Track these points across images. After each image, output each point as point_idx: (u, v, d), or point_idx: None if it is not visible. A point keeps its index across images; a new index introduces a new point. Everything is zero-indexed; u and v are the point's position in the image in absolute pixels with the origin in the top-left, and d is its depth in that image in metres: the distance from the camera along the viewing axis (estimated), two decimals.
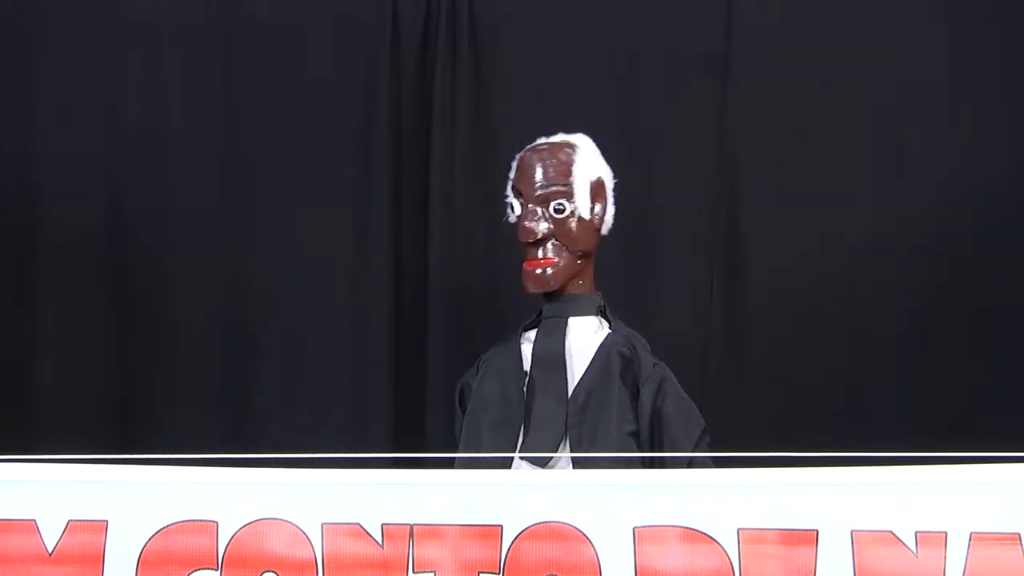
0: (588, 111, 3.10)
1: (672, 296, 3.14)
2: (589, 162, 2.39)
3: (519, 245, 2.39)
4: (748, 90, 3.14)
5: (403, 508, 1.84)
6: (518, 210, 2.39)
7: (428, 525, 1.82)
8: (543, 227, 2.34)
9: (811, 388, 3.06)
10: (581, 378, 2.34)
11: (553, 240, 2.35)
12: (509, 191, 2.43)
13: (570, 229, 2.35)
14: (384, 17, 3.22)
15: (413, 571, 1.81)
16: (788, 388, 3.07)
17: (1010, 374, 2.98)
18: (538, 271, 2.36)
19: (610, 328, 2.40)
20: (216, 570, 1.85)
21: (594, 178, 2.38)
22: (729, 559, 1.74)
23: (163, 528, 1.87)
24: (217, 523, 1.86)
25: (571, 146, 2.39)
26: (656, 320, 3.02)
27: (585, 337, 2.38)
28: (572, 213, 2.35)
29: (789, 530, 1.74)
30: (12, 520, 1.90)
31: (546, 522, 1.80)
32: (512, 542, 1.80)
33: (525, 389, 2.35)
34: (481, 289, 3.15)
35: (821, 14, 3.13)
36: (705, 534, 1.75)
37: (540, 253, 2.36)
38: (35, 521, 1.89)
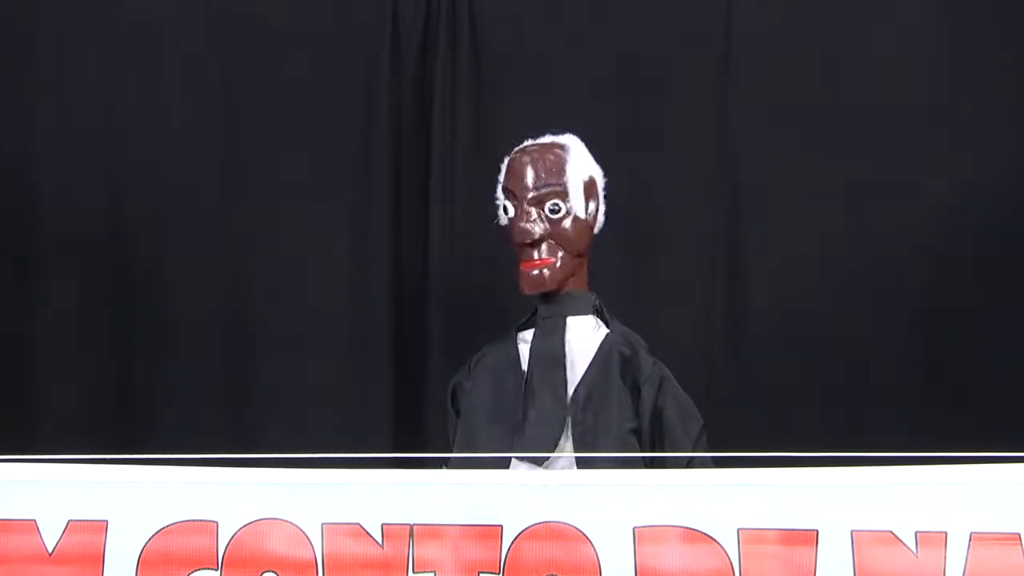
0: (588, 111, 3.10)
1: (672, 296, 3.14)
2: (580, 162, 2.39)
3: (513, 247, 2.40)
4: (748, 90, 3.14)
5: (403, 508, 1.84)
6: (511, 212, 2.39)
7: (428, 525, 1.82)
8: (539, 228, 2.35)
9: (811, 388, 3.06)
10: (582, 377, 2.34)
11: (548, 240, 2.36)
12: (499, 193, 2.44)
13: (566, 229, 2.36)
14: (384, 17, 3.22)
15: (413, 571, 1.81)
16: (788, 388, 3.06)
17: (1010, 374, 2.98)
18: (535, 272, 2.36)
19: (607, 327, 2.41)
20: (216, 570, 1.85)
21: (586, 177, 2.39)
22: (729, 559, 1.74)
23: (163, 528, 1.87)
24: (217, 523, 1.86)
25: (561, 146, 2.40)
26: (656, 320, 3.02)
27: (584, 336, 2.39)
28: (567, 213, 2.36)
29: (789, 530, 1.75)
30: (12, 520, 1.90)
31: (546, 522, 1.80)
32: (512, 542, 1.80)
33: (523, 389, 2.35)
34: (481, 289, 3.15)
35: (821, 14, 3.13)
36: (705, 534, 1.75)
37: (536, 254, 2.36)
38: (35, 521, 1.89)
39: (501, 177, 2.43)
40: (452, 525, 1.82)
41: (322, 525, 1.85)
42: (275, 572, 1.84)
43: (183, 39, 3.24)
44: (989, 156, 3.06)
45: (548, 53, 3.19)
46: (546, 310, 2.40)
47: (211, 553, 1.85)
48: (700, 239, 3.16)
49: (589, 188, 2.39)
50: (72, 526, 1.89)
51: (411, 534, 1.82)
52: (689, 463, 2.28)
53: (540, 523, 1.80)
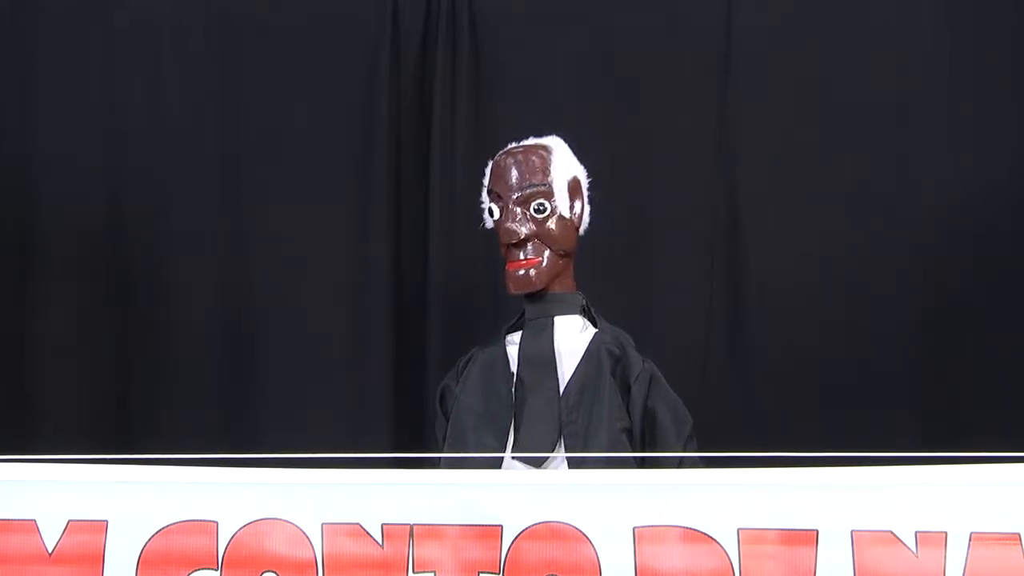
0: (588, 111, 3.11)
1: (672, 296, 3.14)
2: (564, 162, 2.40)
3: (500, 248, 2.41)
4: (748, 90, 3.14)
5: (403, 508, 1.84)
6: (496, 214, 2.40)
7: (428, 525, 1.82)
8: (525, 228, 2.35)
9: (811, 388, 3.06)
10: (572, 376, 2.35)
11: (534, 240, 2.37)
12: (485, 196, 2.45)
13: (551, 229, 2.37)
14: (384, 17, 3.22)
15: (413, 571, 1.81)
16: (788, 388, 3.06)
17: (1010, 374, 2.98)
18: (521, 272, 2.37)
19: (595, 326, 2.41)
20: (216, 570, 1.85)
21: (570, 177, 2.40)
22: (729, 559, 1.74)
23: (163, 528, 1.87)
24: (217, 523, 1.86)
25: (545, 148, 2.41)
26: (656, 320, 3.02)
27: (572, 336, 2.39)
28: (553, 212, 2.36)
29: (789, 530, 1.74)
30: (12, 520, 1.90)
31: (546, 522, 1.80)
32: (512, 542, 1.80)
33: (514, 390, 2.36)
34: (481, 289, 3.15)
35: (821, 14, 3.13)
36: (705, 534, 1.75)
37: (522, 254, 2.37)
38: (35, 521, 1.89)
39: (486, 180, 2.45)
40: (452, 525, 1.82)
41: (322, 525, 1.85)
42: (275, 572, 1.84)
43: (183, 39, 3.24)
44: (989, 156, 3.06)
45: (548, 53, 3.19)
46: (533, 311, 2.41)
47: (211, 553, 1.85)
48: (699, 239, 3.15)
49: (574, 188, 2.41)
50: (72, 526, 1.88)
51: (411, 534, 1.82)
52: (680, 463, 2.29)
53: (540, 523, 1.80)
